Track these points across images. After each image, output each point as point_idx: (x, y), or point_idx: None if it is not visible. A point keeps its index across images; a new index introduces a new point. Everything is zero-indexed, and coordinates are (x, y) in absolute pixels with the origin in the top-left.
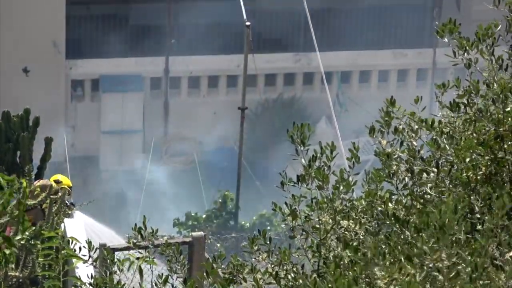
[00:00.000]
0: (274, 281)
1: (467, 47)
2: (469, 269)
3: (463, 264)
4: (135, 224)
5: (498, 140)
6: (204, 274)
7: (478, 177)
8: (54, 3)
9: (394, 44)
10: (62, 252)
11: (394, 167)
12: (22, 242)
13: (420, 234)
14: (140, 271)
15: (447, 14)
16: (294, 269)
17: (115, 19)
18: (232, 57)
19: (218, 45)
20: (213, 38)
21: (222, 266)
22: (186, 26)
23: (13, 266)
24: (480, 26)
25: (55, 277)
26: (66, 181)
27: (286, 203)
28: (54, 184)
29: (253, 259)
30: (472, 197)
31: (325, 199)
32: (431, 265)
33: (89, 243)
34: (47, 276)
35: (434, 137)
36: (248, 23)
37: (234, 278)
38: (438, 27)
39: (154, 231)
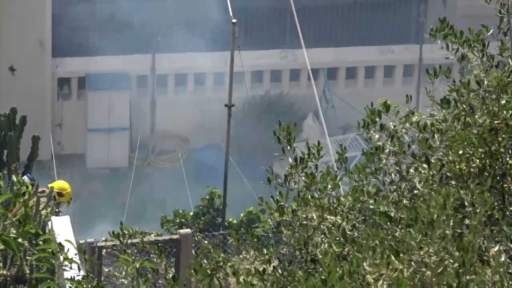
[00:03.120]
0: (260, 281)
1: (459, 44)
2: (456, 264)
3: (450, 260)
4: (113, 232)
5: (493, 133)
6: (193, 271)
7: (472, 170)
8: (40, 1)
9: (380, 40)
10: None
11: (384, 161)
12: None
13: (408, 229)
14: (137, 272)
15: (433, 10)
16: (282, 265)
17: (101, 17)
18: (218, 54)
19: (205, 42)
20: (199, 35)
21: (204, 260)
22: (172, 23)
23: (0, 264)
24: (471, 31)
25: (47, 278)
26: (68, 193)
27: (272, 197)
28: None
29: (241, 256)
30: (462, 191)
31: (310, 198)
32: (419, 260)
33: (67, 241)
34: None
35: (426, 137)
36: (234, 20)
37: (216, 273)
38: (427, 25)
39: (132, 233)
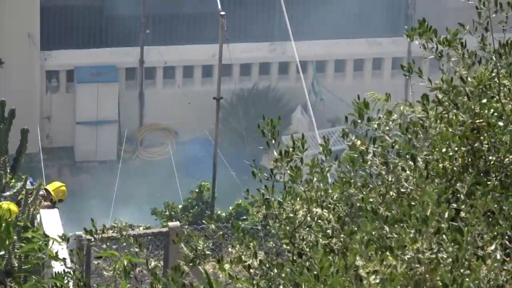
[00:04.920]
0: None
1: (438, 42)
2: (450, 260)
3: (443, 255)
4: (84, 228)
5: (475, 132)
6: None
7: (455, 168)
8: None
9: (369, 32)
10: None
11: (369, 162)
12: None
13: (402, 225)
14: (124, 268)
15: (422, 2)
16: (269, 258)
17: (90, 10)
18: (207, 47)
19: (193, 35)
20: (187, 28)
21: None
22: (161, 16)
23: None
24: (448, 31)
25: (32, 274)
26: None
27: (258, 190)
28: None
29: (229, 249)
30: (458, 184)
31: (295, 191)
32: (412, 256)
33: (46, 235)
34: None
35: (409, 137)
36: (222, 13)
37: (198, 261)
38: (416, 18)
39: (104, 229)
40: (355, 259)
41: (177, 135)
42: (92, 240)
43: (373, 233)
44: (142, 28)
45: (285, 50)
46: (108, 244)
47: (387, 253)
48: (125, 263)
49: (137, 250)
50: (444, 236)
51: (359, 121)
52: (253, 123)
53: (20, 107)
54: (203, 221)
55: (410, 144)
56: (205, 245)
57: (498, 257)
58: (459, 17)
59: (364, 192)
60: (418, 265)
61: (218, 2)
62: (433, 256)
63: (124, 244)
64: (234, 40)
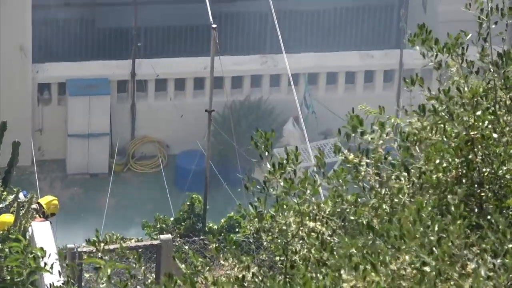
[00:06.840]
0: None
1: (438, 51)
2: (434, 273)
3: (426, 269)
4: (88, 239)
5: (469, 143)
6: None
7: (449, 179)
8: (20, 6)
9: (361, 45)
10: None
11: (363, 173)
12: None
13: (382, 242)
14: (109, 277)
15: (413, 15)
16: (261, 271)
17: (82, 23)
18: (198, 59)
19: (185, 48)
20: (179, 41)
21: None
22: (152, 28)
23: None
24: (449, 36)
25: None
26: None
27: (251, 203)
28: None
29: (221, 262)
30: (449, 196)
31: (288, 204)
32: (395, 271)
33: (41, 249)
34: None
35: (408, 146)
36: (214, 25)
37: (196, 278)
38: (407, 31)
39: (111, 238)
40: (336, 281)
41: (168, 147)
42: (93, 251)
43: (360, 245)
44: (134, 40)
45: (277, 63)
46: (104, 256)
47: (369, 268)
48: (109, 271)
49: (134, 264)
50: (425, 251)
51: (352, 134)
52: (245, 136)
53: (12, 119)
54: (194, 234)
55: (408, 152)
56: (204, 263)
57: (483, 273)
58: (450, 30)
59: (357, 206)
60: (401, 281)
61: (210, 15)
62: (415, 271)
63: (117, 256)
64: (226, 52)
